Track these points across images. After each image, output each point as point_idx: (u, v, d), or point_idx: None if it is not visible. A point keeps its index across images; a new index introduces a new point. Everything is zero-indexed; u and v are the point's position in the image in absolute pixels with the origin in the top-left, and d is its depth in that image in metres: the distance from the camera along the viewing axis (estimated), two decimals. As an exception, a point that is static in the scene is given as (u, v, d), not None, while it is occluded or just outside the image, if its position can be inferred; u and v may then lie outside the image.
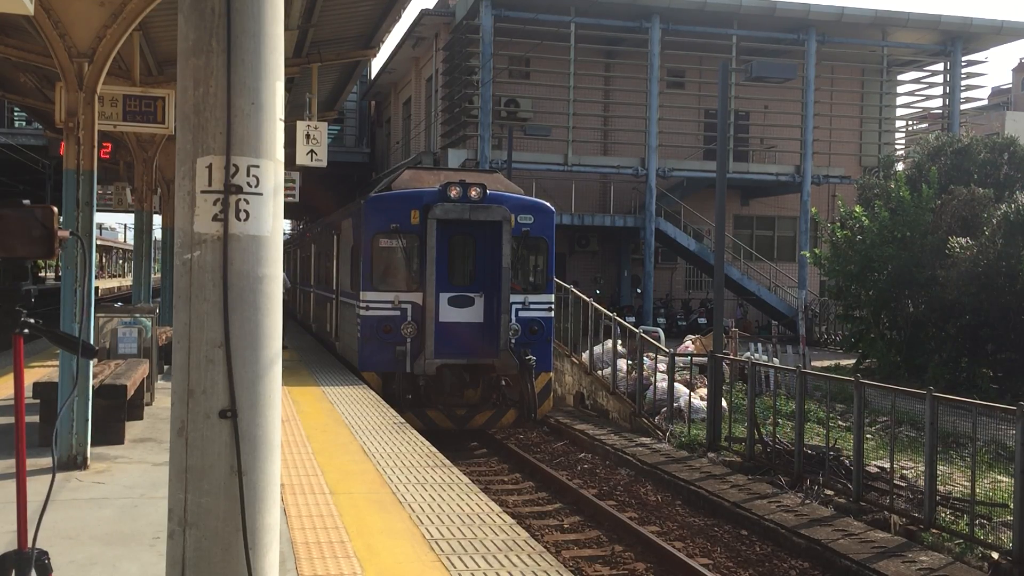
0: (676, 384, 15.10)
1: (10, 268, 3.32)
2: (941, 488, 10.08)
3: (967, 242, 18.58)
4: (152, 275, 18.87)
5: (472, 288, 14.85)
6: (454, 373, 14.91)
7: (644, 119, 30.33)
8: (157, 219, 21.24)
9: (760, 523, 9.87)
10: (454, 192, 14.51)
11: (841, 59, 33.40)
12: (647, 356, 16.21)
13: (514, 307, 14.74)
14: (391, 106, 40.65)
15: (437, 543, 6.26)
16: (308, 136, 14.63)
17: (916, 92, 36.74)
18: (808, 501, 10.51)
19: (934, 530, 9.20)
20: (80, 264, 7.78)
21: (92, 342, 8.58)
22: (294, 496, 7.42)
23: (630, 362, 16.41)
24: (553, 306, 15.60)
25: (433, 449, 9.61)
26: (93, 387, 8.44)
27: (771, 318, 31.43)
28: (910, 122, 38.14)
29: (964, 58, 33.94)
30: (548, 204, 15.70)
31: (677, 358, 15.58)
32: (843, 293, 22.08)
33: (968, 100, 36.86)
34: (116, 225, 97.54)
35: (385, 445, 9.64)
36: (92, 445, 8.27)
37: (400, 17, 13.85)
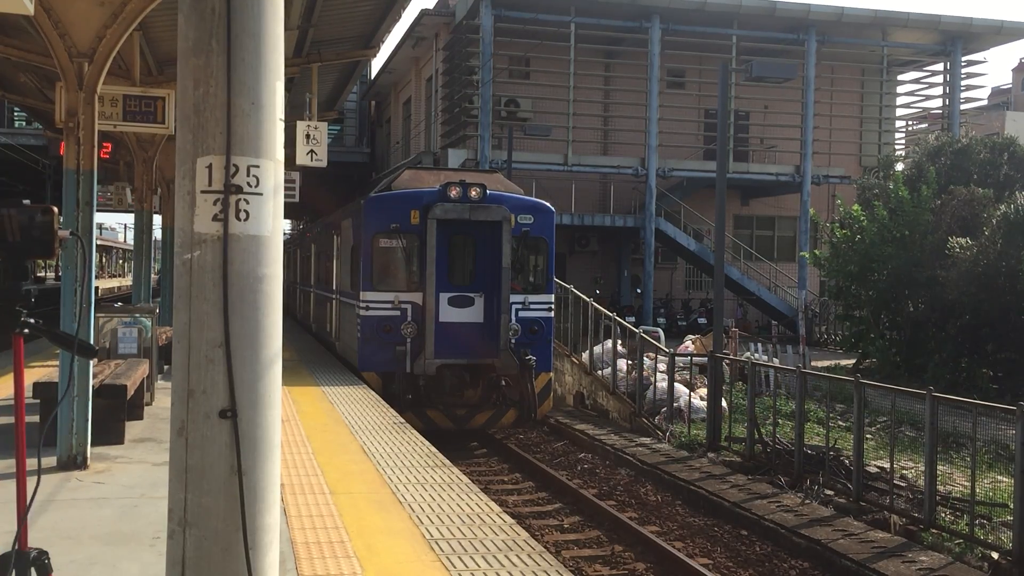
0: (676, 384, 15.10)
1: (10, 268, 3.33)
2: (941, 488, 10.08)
3: (967, 242, 18.58)
4: (152, 275, 18.87)
5: (472, 288, 14.84)
6: (454, 373, 14.90)
7: (644, 119, 30.33)
8: (157, 219, 21.23)
9: (760, 523, 9.87)
10: (454, 192, 14.51)
11: (841, 59, 33.40)
12: (647, 356, 16.21)
13: (514, 307, 14.73)
14: (391, 106, 40.65)
15: (437, 543, 6.26)
16: (308, 136, 14.63)
17: (916, 92, 36.76)
18: (808, 501, 10.51)
19: (934, 530, 9.20)
20: (80, 264, 7.78)
21: (92, 342, 8.60)
22: (294, 496, 7.42)
23: (630, 362, 16.41)
24: (553, 306, 15.60)
25: (433, 449, 9.61)
26: (93, 387, 8.44)
27: (771, 318, 31.43)
28: (910, 122, 38.15)
29: (964, 58, 33.94)
30: (548, 204, 15.69)
31: (677, 358, 15.58)
32: (843, 293, 22.08)
33: (968, 100, 36.87)
34: (116, 225, 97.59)
35: (385, 445, 9.64)
36: (92, 445, 8.27)
37: (400, 17, 13.85)
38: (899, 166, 27.43)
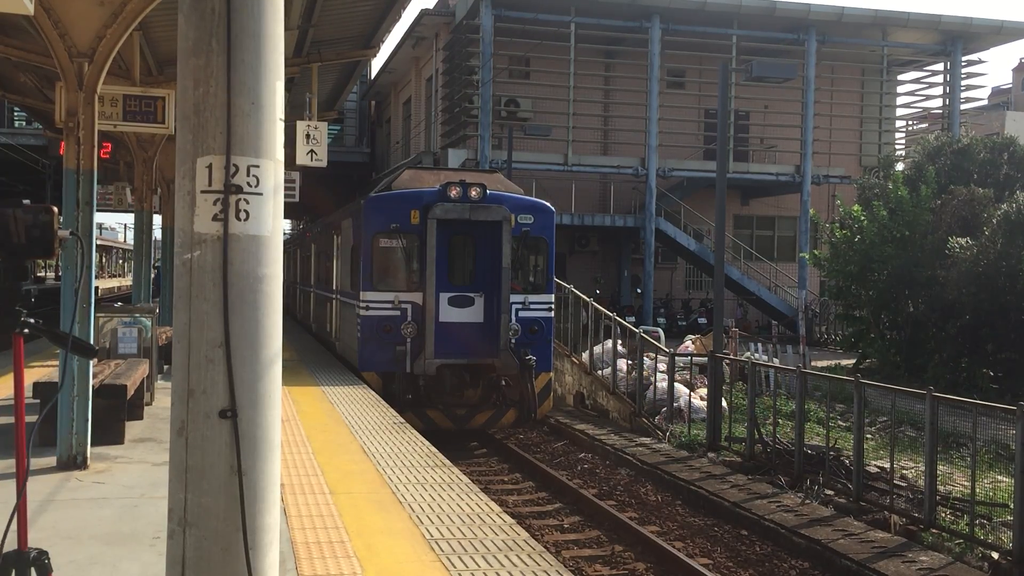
0: (676, 384, 15.10)
1: (10, 268, 3.34)
2: (941, 488, 10.08)
3: (967, 242, 18.58)
4: (152, 268, 18.89)
5: (472, 288, 14.84)
6: (454, 373, 14.90)
7: (644, 119, 30.33)
8: (157, 219, 21.24)
9: (760, 523, 9.87)
10: (454, 192, 14.51)
11: (841, 59, 33.40)
12: (647, 356, 16.20)
13: (514, 307, 14.73)
14: (391, 106, 40.65)
15: (437, 543, 6.26)
16: (308, 136, 14.63)
17: (916, 92, 36.76)
18: (808, 501, 10.51)
19: (934, 530, 9.20)
20: (80, 264, 7.77)
21: (92, 342, 8.59)
22: (294, 496, 7.42)
23: (630, 362, 16.41)
24: (553, 306, 15.60)
25: (433, 449, 9.61)
26: (93, 387, 8.43)
27: (771, 318, 31.43)
28: (910, 122, 38.15)
29: (964, 58, 33.94)
30: (548, 204, 15.69)
31: (677, 358, 15.58)
32: (843, 293, 22.08)
33: (968, 100, 36.87)
34: (116, 225, 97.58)
35: (385, 445, 9.65)
36: (92, 445, 8.27)
37: (400, 17, 13.85)
38: (899, 166, 27.43)
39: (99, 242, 58.22)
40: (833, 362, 22.54)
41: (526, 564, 5.90)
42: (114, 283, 68.05)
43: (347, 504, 7.24)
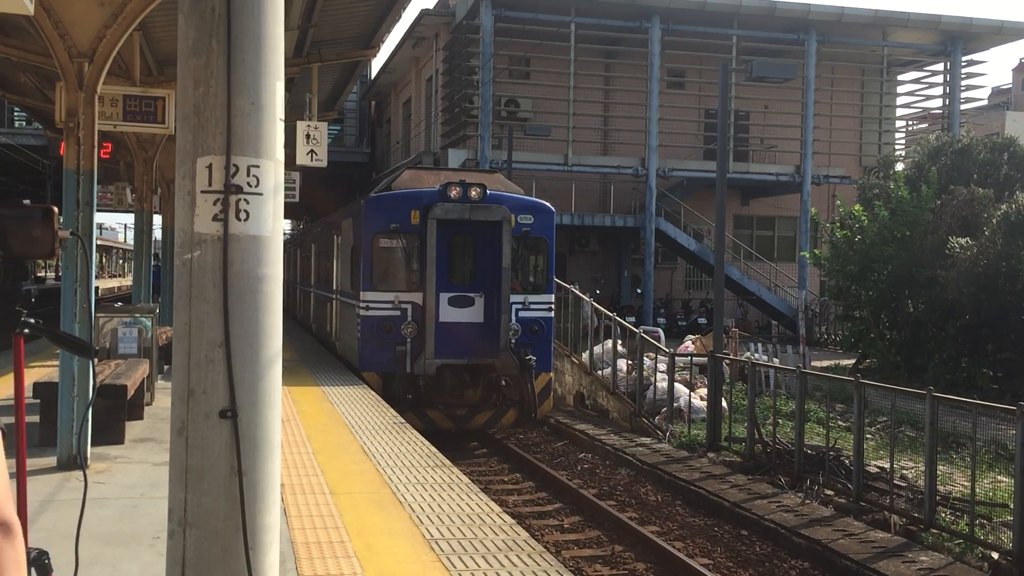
0: (676, 384, 15.10)
1: (10, 268, 3.33)
2: (941, 488, 10.07)
3: (967, 242, 18.58)
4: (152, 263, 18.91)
5: (472, 288, 14.85)
6: (454, 373, 14.91)
7: (644, 119, 30.33)
8: (157, 219, 21.23)
9: (760, 523, 9.87)
10: (454, 192, 14.51)
11: (841, 59, 33.41)
12: (647, 356, 16.20)
13: (514, 307, 14.74)
14: (391, 106, 40.66)
15: (437, 543, 6.26)
16: (308, 136, 14.63)
17: (916, 92, 36.76)
18: (808, 501, 10.51)
19: (934, 530, 9.20)
20: (80, 264, 7.77)
21: (92, 342, 8.59)
22: (294, 496, 7.42)
23: (630, 362, 16.41)
24: (553, 306, 15.60)
25: (433, 449, 9.61)
26: (93, 387, 8.43)
27: (771, 318, 31.43)
28: (910, 122, 38.15)
29: (964, 58, 33.95)
30: (548, 204, 15.69)
31: (677, 358, 15.58)
32: (843, 293, 22.08)
33: (968, 100, 36.88)
34: (116, 225, 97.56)
35: (385, 445, 9.65)
36: (92, 445, 8.27)
37: (400, 17, 13.85)
38: (899, 166, 27.43)
39: (99, 242, 58.17)
40: (833, 362, 22.53)
41: (526, 564, 5.90)
42: (114, 283, 68.06)
43: (347, 504, 7.24)
